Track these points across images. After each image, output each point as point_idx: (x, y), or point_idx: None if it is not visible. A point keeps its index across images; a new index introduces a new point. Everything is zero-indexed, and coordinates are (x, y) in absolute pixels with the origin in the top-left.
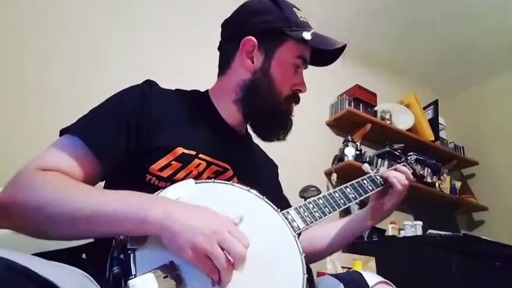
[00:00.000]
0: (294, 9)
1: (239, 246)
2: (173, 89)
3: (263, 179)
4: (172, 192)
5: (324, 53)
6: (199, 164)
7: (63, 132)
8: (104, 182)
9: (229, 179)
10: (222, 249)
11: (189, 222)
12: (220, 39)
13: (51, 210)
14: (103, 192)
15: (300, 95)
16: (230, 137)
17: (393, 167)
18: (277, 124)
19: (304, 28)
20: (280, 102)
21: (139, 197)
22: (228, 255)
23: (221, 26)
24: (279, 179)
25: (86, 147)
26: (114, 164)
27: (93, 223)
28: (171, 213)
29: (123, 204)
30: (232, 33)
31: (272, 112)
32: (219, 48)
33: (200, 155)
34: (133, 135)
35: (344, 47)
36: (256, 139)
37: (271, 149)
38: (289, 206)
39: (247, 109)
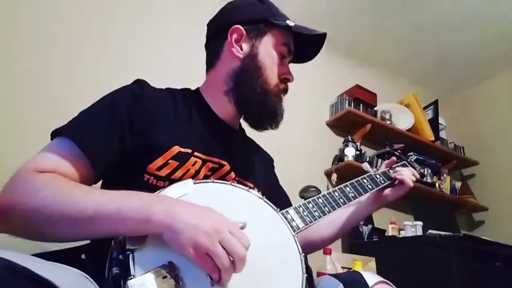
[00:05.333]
0: (274, 5)
1: (240, 246)
2: (164, 87)
3: (260, 172)
4: (170, 193)
5: (306, 46)
6: (196, 162)
7: (55, 133)
8: (101, 182)
9: (226, 174)
10: (223, 248)
11: (191, 221)
12: (206, 37)
13: (52, 211)
14: (104, 193)
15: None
16: (224, 132)
17: (394, 165)
18: (268, 111)
19: (286, 18)
20: (271, 88)
21: (141, 196)
22: (229, 255)
23: (207, 25)
24: (275, 171)
25: (78, 149)
26: (108, 166)
27: (95, 223)
28: (173, 212)
29: (125, 204)
30: (219, 27)
31: (263, 99)
32: (206, 46)
33: (195, 153)
34: (128, 135)
35: (324, 36)
36: (250, 132)
37: (271, 148)
38: (286, 197)
39: (238, 97)
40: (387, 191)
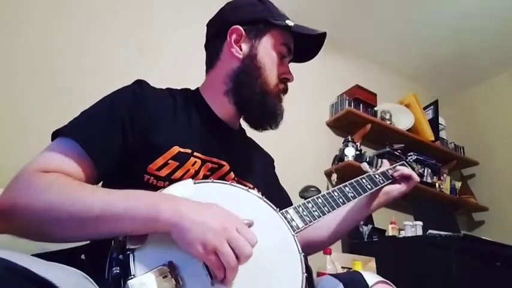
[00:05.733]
0: (273, 4)
1: (247, 245)
2: (164, 88)
3: (260, 172)
4: (171, 192)
5: (305, 46)
6: (195, 162)
7: (56, 134)
8: (102, 183)
9: (225, 175)
10: (230, 246)
11: (198, 219)
12: (206, 37)
13: (58, 211)
14: (109, 192)
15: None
16: (224, 132)
17: (393, 166)
18: (267, 111)
19: (286, 18)
20: (270, 89)
21: (146, 195)
22: (235, 253)
23: (206, 25)
24: (276, 172)
25: (81, 149)
26: (110, 166)
27: (101, 223)
28: (181, 210)
29: (132, 203)
30: (218, 28)
31: (262, 99)
32: (205, 46)
33: (195, 153)
34: (129, 135)
35: (324, 36)
36: (250, 132)
37: (271, 148)
38: (287, 197)
39: (237, 97)
40: (390, 188)
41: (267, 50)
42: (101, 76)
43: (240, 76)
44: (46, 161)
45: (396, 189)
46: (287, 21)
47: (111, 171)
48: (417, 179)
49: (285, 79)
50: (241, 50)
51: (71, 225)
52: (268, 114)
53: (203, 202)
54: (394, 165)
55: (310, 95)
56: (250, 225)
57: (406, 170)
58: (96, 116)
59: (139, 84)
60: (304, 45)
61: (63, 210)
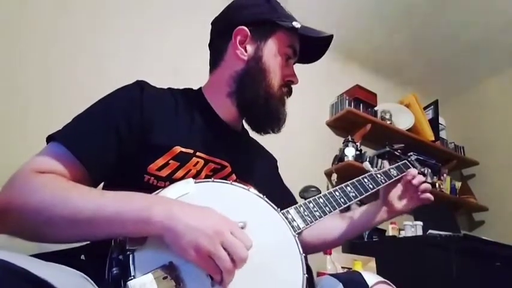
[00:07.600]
0: (280, 4)
1: (242, 248)
2: (166, 87)
3: (261, 174)
4: (171, 192)
5: (311, 47)
6: (197, 162)
7: (49, 138)
8: (103, 184)
9: (227, 176)
10: (225, 249)
11: (192, 223)
12: (210, 36)
13: (51, 212)
14: (103, 194)
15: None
16: (226, 133)
17: (395, 165)
18: (271, 115)
19: (293, 19)
20: (274, 92)
21: (140, 197)
22: (230, 257)
23: (211, 24)
24: (280, 172)
25: (71, 154)
26: (106, 169)
27: (94, 225)
28: (173, 213)
29: (125, 205)
30: (223, 28)
31: (266, 102)
32: (209, 46)
33: (197, 153)
34: (126, 137)
35: (331, 38)
36: (252, 133)
37: (270, 148)
38: (292, 197)
39: (241, 100)
40: (398, 202)
41: (272, 52)
42: (101, 76)
43: (244, 78)
44: (41, 162)
45: (402, 205)
46: (294, 23)
47: (109, 173)
48: (431, 198)
49: (289, 82)
50: (246, 51)
51: (63, 226)
52: (270, 118)
53: (198, 205)
54: (395, 164)
55: (310, 95)
56: (243, 227)
57: (424, 185)
58: (90, 119)
59: (139, 84)
60: (310, 46)
61: (55, 211)
